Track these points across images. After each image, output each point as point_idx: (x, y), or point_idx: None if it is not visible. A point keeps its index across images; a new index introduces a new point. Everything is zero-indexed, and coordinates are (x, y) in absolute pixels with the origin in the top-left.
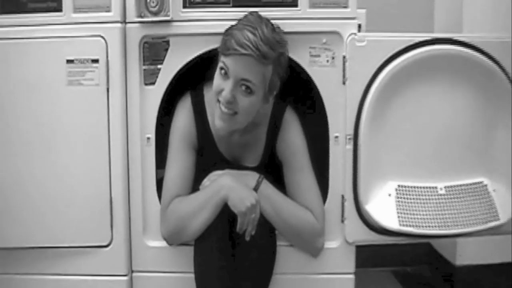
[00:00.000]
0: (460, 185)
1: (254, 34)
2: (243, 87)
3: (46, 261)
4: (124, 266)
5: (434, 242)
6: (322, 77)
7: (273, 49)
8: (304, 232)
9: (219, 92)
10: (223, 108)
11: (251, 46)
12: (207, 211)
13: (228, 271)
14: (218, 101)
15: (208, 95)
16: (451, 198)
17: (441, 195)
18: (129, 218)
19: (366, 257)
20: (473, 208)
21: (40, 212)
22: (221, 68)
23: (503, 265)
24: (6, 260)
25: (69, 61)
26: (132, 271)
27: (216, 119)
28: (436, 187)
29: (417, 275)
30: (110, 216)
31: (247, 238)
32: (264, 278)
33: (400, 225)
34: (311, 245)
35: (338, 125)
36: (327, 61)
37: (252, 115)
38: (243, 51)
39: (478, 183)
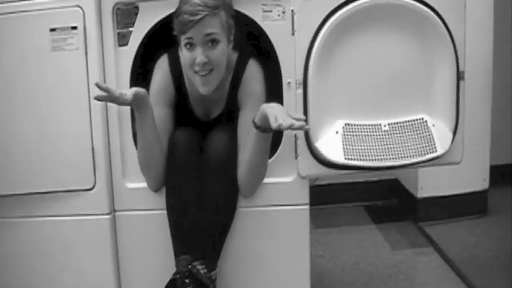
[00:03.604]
0: (402, 122)
1: None
2: (210, 43)
3: (34, 205)
4: (107, 206)
5: (400, 178)
6: (274, 30)
7: None
8: (265, 166)
9: (192, 63)
10: (201, 73)
11: (201, 8)
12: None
13: (194, 205)
14: (195, 72)
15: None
16: (393, 134)
17: (385, 131)
18: (110, 164)
19: (340, 193)
20: (414, 142)
21: (27, 161)
22: (186, 44)
23: (458, 196)
24: None
25: (52, 30)
26: (115, 211)
27: (199, 88)
28: (380, 124)
29: (386, 209)
30: (92, 163)
31: None
32: (227, 208)
33: (345, 159)
34: (261, 179)
35: (290, 72)
36: (278, 15)
37: (224, 63)
38: (199, 16)
39: (419, 119)
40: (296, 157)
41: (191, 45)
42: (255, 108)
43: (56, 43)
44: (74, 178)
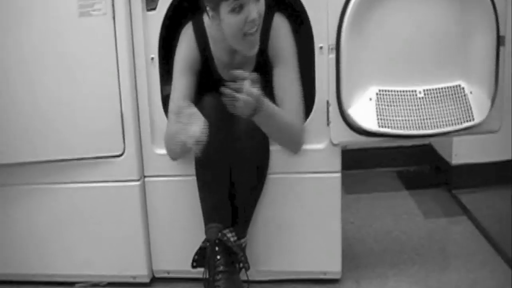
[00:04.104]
0: (438, 88)
1: None
2: None
3: (65, 171)
4: (136, 172)
5: (434, 143)
6: None
7: None
8: (289, 134)
9: (242, 25)
10: (251, 31)
11: None
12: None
13: (226, 174)
14: (245, 34)
15: (208, 22)
16: (429, 101)
17: (420, 98)
18: (139, 130)
19: (372, 158)
20: (450, 110)
21: (57, 128)
22: (234, 8)
23: (495, 164)
24: (26, 172)
25: None
26: (144, 177)
27: (247, 51)
28: (415, 91)
29: (418, 175)
30: (121, 129)
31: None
32: (259, 173)
33: (379, 126)
34: (297, 145)
35: (322, 36)
36: None
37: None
38: None
39: (456, 86)
40: (328, 124)
41: (240, 6)
42: (288, 64)
43: (83, 8)
44: (103, 144)
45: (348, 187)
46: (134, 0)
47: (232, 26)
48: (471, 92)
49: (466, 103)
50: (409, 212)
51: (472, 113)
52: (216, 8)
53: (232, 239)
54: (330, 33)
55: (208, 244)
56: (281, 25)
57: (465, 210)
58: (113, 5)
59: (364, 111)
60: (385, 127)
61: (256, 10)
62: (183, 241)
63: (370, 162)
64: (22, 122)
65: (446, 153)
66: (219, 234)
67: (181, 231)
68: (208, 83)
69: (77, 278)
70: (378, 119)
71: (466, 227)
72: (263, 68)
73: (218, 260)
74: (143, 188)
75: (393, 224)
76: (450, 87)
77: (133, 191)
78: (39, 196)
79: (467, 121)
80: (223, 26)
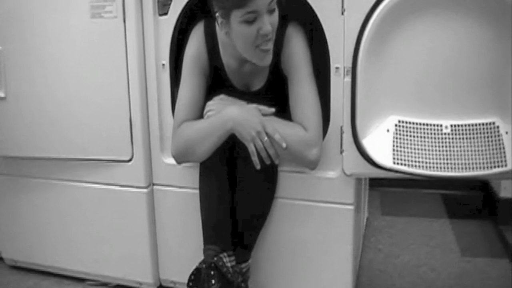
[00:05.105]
0: (468, 125)
1: None
2: (271, 10)
3: (77, 170)
4: (144, 179)
5: None
6: (323, 6)
7: None
8: (291, 144)
9: (255, 38)
10: (264, 46)
11: None
12: (212, 140)
13: (228, 195)
14: (257, 46)
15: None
16: (456, 138)
17: (445, 134)
18: (148, 137)
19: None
20: (480, 151)
21: (68, 127)
22: (246, 19)
23: None
24: (39, 167)
25: None
26: (153, 184)
27: (259, 62)
28: (440, 125)
29: (465, 201)
30: (130, 134)
31: (268, 162)
32: (264, 199)
33: (393, 163)
34: (304, 157)
35: (339, 56)
36: None
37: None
38: None
39: (489, 123)
40: (341, 152)
41: (253, 18)
42: (302, 72)
43: (95, 10)
44: (112, 147)
45: (385, 207)
46: (146, 3)
47: (244, 37)
48: (506, 132)
49: (500, 144)
50: (445, 245)
51: (505, 157)
52: (226, 16)
53: (229, 264)
54: (346, 54)
55: (204, 266)
56: (294, 34)
57: (509, 252)
58: (123, 8)
59: (380, 143)
60: (401, 164)
61: (269, 23)
62: (191, 253)
63: (414, 181)
64: (35, 119)
65: (495, 183)
66: (215, 258)
67: (189, 243)
68: (222, 89)
69: (87, 275)
70: (394, 153)
71: (506, 272)
72: (277, 81)
73: (213, 285)
74: (151, 195)
75: (424, 258)
76: (483, 124)
77: (141, 197)
78: (51, 190)
79: (499, 166)
80: (232, 36)
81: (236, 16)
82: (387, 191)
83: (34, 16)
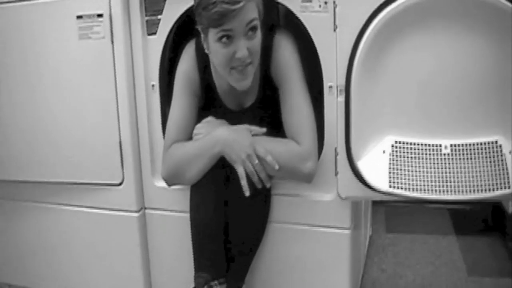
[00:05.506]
0: (469, 144)
1: None
2: (250, 32)
3: (67, 194)
4: (135, 203)
5: None
6: (315, 23)
7: None
8: (285, 161)
9: (230, 59)
10: (239, 68)
11: None
12: (202, 162)
13: (220, 217)
14: (232, 68)
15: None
16: (456, 159)
17: (445, 154)
18: (139, 160)
19: None
20: (482, 172)
21: (57, 151)
22: (221, 38)
23: None
24: (28, 190)
25: (78, 17)
26: (145, 208)
27: (235, 84)
28: (439, 145)
29: (473, 217)
30: (120, 157)
31: (259, 186)
32: (257, 225)
33: (390, 186)
34: (298, 172)
35: (332, 75)
36: (320, 6)
37: (259, 51)
38: (241, 3)
39: (492, 142)
40: (335, 174)
41: (228, 38)
42: (292, 81)
43: (82, 31)
44: (102, 171)
45: (389, 223)
46: (134, 23)
47: (219, 57)
48: (510, 152)
49: (503, 165)
50: (451, 264)
51: (509, 178)
52: (205, 33)
53: None
54: (339, 72)
55: None
56: (283, 41)
57: None
58: (111, 28)
59: (376, 165)
60: (398, 187)
61: (245, 47)
62: (185, 278)
63: None
64: (23, 142)
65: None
66: (205, 286)
67: (182, 267)
68: (213, 109)
69: None
70: (390, 176)
71: None
72: (269, 93)
73: None
74: (143, 219)
75: (428, 278)
76: (485, 143)
77: (133, 221)
78: (38, 214)
79: (502, 188)
80: (211, 55)
81: (213, 33)
82: (392, 206)
83: (23, 40)
